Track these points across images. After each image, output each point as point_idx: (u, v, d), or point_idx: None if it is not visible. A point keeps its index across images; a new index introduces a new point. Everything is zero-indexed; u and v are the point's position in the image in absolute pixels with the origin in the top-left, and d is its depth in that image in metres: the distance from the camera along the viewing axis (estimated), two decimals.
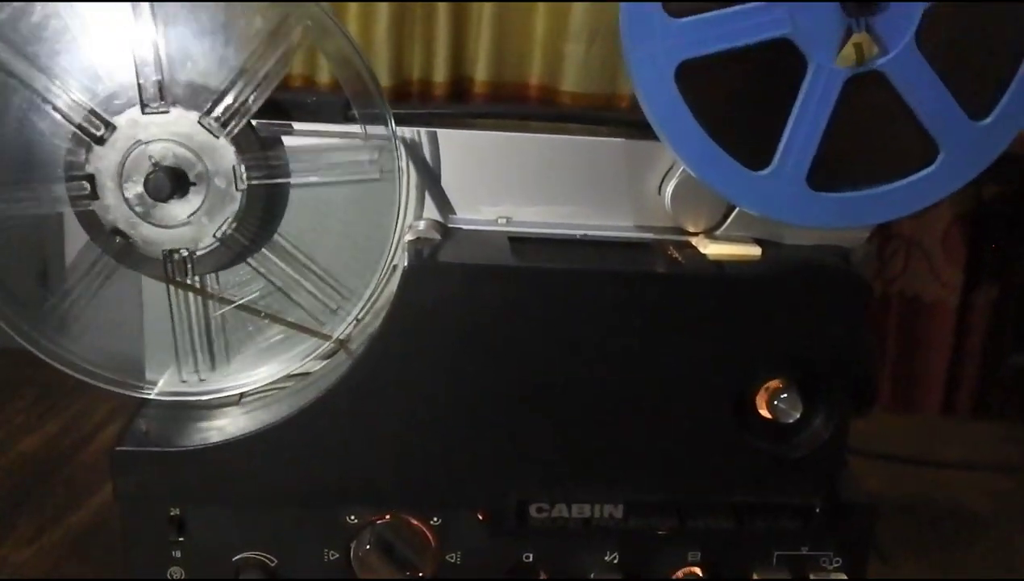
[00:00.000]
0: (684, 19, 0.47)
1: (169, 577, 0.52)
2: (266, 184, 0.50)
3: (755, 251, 0.53)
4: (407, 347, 0.49)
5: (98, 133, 0.48)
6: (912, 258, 1.10)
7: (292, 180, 0.51)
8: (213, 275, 0.52)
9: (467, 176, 0.54)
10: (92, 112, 0.48)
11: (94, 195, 0.49)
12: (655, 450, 0.51)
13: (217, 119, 0.49)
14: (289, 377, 0.53)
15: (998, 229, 1.02)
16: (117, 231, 0.50)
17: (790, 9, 0.47)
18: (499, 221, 0.54)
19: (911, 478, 0.82)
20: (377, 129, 0.50)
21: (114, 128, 0.48)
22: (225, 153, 0.49)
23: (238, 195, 0.50)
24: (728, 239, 0.53)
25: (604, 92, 1.00)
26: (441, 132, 0.53)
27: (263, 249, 0.52)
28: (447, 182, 0.54)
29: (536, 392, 0.50)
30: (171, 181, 0.48)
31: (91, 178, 0.49)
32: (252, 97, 0.49)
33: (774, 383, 0.51)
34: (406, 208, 0.52)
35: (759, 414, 0.51)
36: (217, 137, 0.49)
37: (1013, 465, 0.87)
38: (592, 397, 0.50)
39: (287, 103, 0.51)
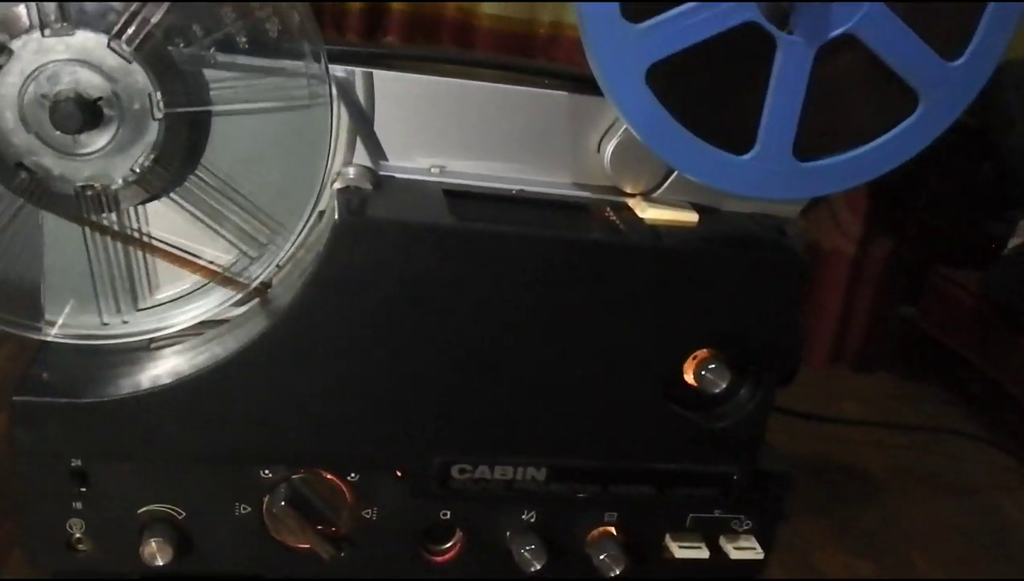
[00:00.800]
0: (645, 23, 0.46)
1: (69, 529, 0.49)
2: (186, 112, 0.47)
3: (692, 217, 0.52)
4: (334, 304, 0.46)
5: None
6: (815, 205, 1.11)
7: (214, 108, 0.47)
8: (132, 208, 0.49)
9: (402, 121, 0.51)
10: None
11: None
12: (581, 416, 0.51)
13: (129, 41, 0.44)
14: (203, 324, 0.51)
15: (898, 181, 1.04)
16: (21, 165, 0.46)
17: None
18: (432, 170, 0.52)
19: (808, 434, 0.84)
20: (309, 65, 0.47)
21: (10, 52, 0.44)
22: (139, 78, 0.45)
23: (155, 125, 0.46)
24: (665, 203, 0.52)
25: (523, 16, 0.96)
26: (377, 73, 0.50)
27: (185, 182, 0.48)
28: (380, 126, 0.51)
29: (465, 354, 0.48)
30: (80, 111, 0.44)
31: None
32: (167, 16, 0.45)
33: (703, 353, 0.51)
34: (334, 150, 0.49)
35: (685, 382, 0.51)
36: (130, 62, 0.45)
37: (908, 423, 0.90)
38: (521, 361, 0.49)
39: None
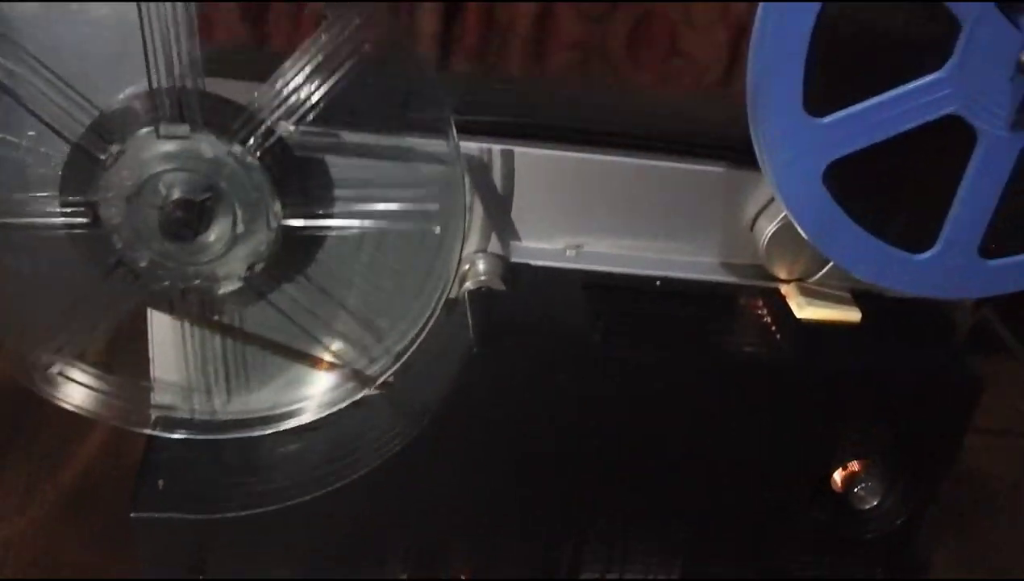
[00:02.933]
0: (830, 117, 0.40)
1: None
2: (304, 225, 0.42)
3: (854, 315, 0.47)
4: (472, 422, 0.43)
5: (102, 157, 0.39)
6: None
7: (334, 222, 0.42)
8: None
9: (539, 198, 0.46)
10: (94, 129, 0.39)
11: (96, 223, 0.41)
12: (723, 524, 0.48)
13: (245, 144, 0.40)
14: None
15: None
16: (120, 263, 0.42)
17: (955, 82, 0.39)
18: (568, 253, 0.47)
19: None
20: (437, 144, 0.42)
21: (122, 152, 0.39)
22: (256, 182, 0.41)
23: (271, 234, 0.42)
24: (822, 294, 0.47)
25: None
26: (517, 151, 0.45)
27: (288, 289, 0.44)
28: (515, 203, 0.46)
29: (606, 463, 0.45)
30: (190, 217, 0.40)
31: (93, 205, 0.40)
32: (292, 120, 0.40)
33: (855, 465, 0.47)
34: (463, 246, 0.44)
35: (833, 490, 0.48)
36: (246, 165, 0.40)
37: None
38: (660, 469, 0.46)
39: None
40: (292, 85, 0.40)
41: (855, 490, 0.47)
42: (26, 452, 0.65)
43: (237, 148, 0.40)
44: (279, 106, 0.40)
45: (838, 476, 0.47)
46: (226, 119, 0.39)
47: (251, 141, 0.40)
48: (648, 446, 0.44)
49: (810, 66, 0.39)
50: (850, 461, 0.47)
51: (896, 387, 0.44)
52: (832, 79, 0.40)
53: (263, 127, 0.40)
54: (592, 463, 0.45)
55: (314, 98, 0.40)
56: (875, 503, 0.47)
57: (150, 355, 0.46)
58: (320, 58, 0.40)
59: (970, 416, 0.45)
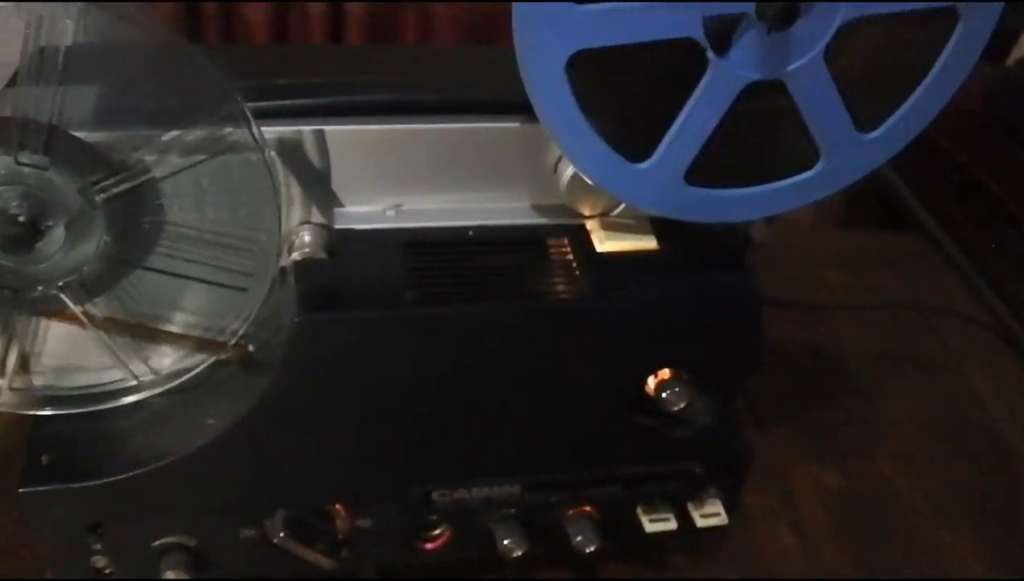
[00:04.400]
0: (589, 7, 0.43)
1: (93, 564, 0.54)
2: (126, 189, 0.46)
3: (651, 244, 0.52)
4: (313, 380, 0.49)
5: None
6: None
7: (156, 174, 0.46)
8: None
9: (355, 169, 0.50)
10: None
11: None
12: (552, 437, 0.54)
13: (34, 152, 0.44)
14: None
15: None
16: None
17: (702, 11, 0.44)
18: (388, 213, 0.52)
19: (784, 315, 0.86)
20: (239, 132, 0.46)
21: None
22: (61, 181, 0.45)
23: (100, 213, 0.46)
24: (621, 226, 0.52)
25: None
26: (329, 130, 0.49)
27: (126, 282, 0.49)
28: (333, 175, 0.50)
29: (439, 402, 0.51)
30: (23, 231, 0.44)
31: None
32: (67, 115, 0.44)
33: (664, 373, 0.53)
34: (287, 211, 0.49)
35: (648, 395, 0.54)
36: (45, 170, 0.44)
37: (886, 302, 0.92)
38: (492, 401, 0.52)
39: None
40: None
41: (665, 395, 0.53)
42: None
43: (83, 184, 0.44)
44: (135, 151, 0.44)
45: (652, 384, 0.53)
46: (84, 159, 0.44)
47: (102, 184, 0.44)
48: (475, 386, 0.50)
49: None
50: (660, 370, 0.53)
51: (685, 309, 0.50)
52: None
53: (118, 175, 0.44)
54: (428, 405, 0.51)
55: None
56: (684, 405, 0.53)
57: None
58: None
59: (754, 328, 0.51)
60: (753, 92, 0.46)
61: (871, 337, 0.87)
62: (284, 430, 0.50)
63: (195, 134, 0.46)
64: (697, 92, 0.46)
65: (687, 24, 0.44)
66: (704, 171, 0.48)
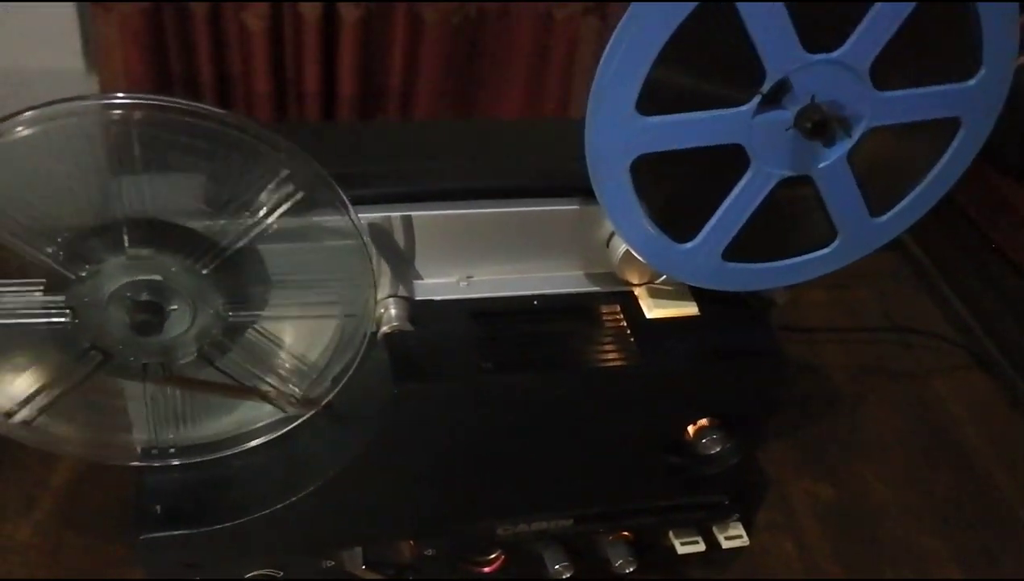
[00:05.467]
0: (652, 118, 0.50)
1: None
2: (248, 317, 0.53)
3: (692, 310, 0.59)
4: (399, 440, 0.55)
5: (78, 275, 0.49)
6: None
7: (267, 313, 0.53)
8: None
9: (433, 246, 0.57)
10: (67, 254, 0.48)
11: (75, 320, 0.50)
12: (603, 480, 0.61)
13: (201, 262, 0.50)
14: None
15: None
16: (95, 347, 0.52)
17: (749, 122, 0.51)
18: (461, 284, 0.58)
19: None
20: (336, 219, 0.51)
21: (97, 271, 0.49)
22: (206, 288, 0.51)
23: (218, 322, 0.52)
24: (665, 293, 0.60)
25: None
26: (416, 215, 0.55)
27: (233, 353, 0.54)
28: (416, 255, 0.57)
29: (505, 458, 0.58)
30: (154, 318, 0.50)
31: (72, 307, 0.50)
32: (239, 241, 0.50)
33: (703, 421, 0.61)
34: (376, 287, 0.55)
35: (686, 440, 0.61)
36: (202, 276, 0.50)
37: (868, 324, 1.01)
38: (554, 453, 0.59)
39: None
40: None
41: (703, 441, 0.61)
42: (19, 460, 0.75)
43: (191, 263, 0.50)
44: (232, 233, 0.50)
45: (690, 430, 0.61)
46: (186, 243, 0.49)
47: (204, 259, 0.50)
48: (539, 437, 0.57)
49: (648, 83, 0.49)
50: (699, 420, 0.60)
51: (724, 369, 0.58)
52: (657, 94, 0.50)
53: (218, 251, 0.50)
54: (498, 453, 0.58)
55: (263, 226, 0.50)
56: (718, 449, 0.61)
57: (121, 401, 0.56)
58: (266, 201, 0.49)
59: (778, 381, 0.59)
60: (783, 183, 0.54)
61: (851, 354, 0.96)
62: (374, 478, 0.57)
63: (293, 220, 0.51)
64: (738, 188, 0.54)
65: (737, 132, 0.51)
66: (739, 249, 0.56)
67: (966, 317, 1.02)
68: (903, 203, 0.57)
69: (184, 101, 0.46)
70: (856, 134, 0.52)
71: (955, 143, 0.55)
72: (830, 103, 0.50)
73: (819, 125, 0.50)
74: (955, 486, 0.84)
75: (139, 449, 0.58)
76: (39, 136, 0.45)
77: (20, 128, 0.45)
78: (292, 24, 1.23)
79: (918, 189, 0.56)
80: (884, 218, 0.57)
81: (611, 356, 0.56)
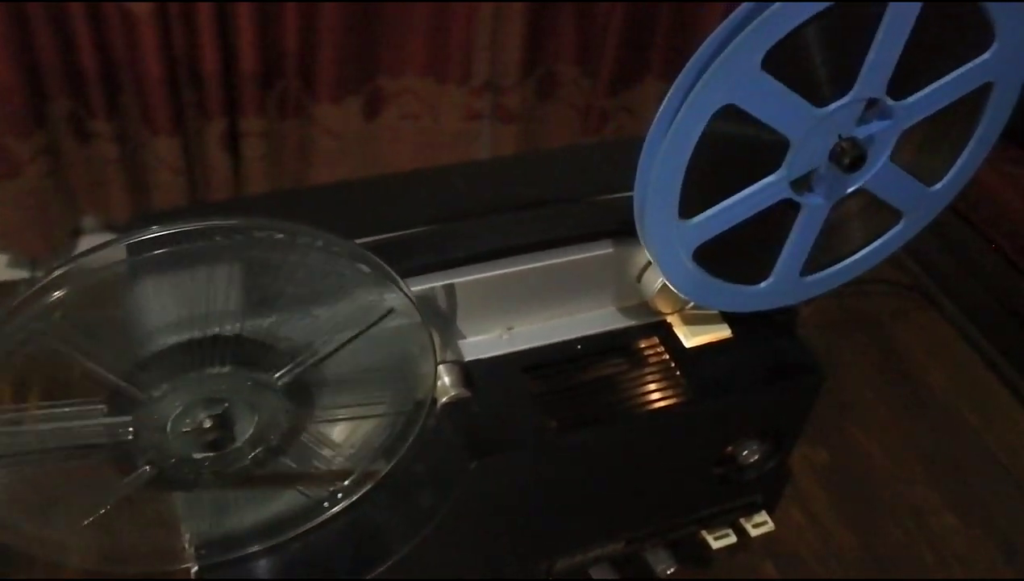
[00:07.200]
0: (695, 219, 0.53)
1: None
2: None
3: (725, 332, 0.61)
4: (473, 506, 0.56)
5: (149, 396, 0.47)
6: None
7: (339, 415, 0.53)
8: None
9: (473, 306, 0.57)
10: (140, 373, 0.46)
11: (135, 440, 0.48)
12: (654, 503, 0.63)
13: (275, 376, 0.49)
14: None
15: None
16: (150, 462, 0.50)
17: (788, 178, 0.52)
18: (502, 337, 0.58)
19: None
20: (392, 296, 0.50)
21: (168, 392, 0.47)
22: (273, 398, 0.50)
23: (282, 427, 0.51)
24: (698, 318, 0.61)
25: None
26: (458, 283, 0.55)
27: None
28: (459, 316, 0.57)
29: (568, 499, 0.59)
30: (225, 433, 0.49)
31: (135, 426, 0.48)
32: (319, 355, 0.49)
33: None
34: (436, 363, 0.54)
35: (728, 453, 0.64)
36: (274, 389, 0.49)
37: None
38: (612, 489, 0.61)
39: None
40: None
41: (745, 452, 0.63)
42: None
43: (264, 376, 0.48)
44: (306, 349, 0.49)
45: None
46: (260, 357, 0.48)
47: (278, 373, 0.48)
48: (600, 478, 0.59)
49: (684, 185, 0.51)
50: (739, 438, 0.63)
51: (769, 392, 0.60)
52: (695, 191, 0.52)
53: (291, 367, 0.49)
54: (563, 496, 0.59)
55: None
56: (755, 458, 0.63)
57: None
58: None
59: (812, 397, 0.61)
60: (840, 201, 0.56)
61: (815, 306, 1.00)
62: (446, 542, 0.57)
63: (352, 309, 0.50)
64: (797, 225, 0.56)
65: (779, 192, 0.53)
66: (815, 264, 0.59)
67: (906, 260, 1.07)
68: (956, 166, 0.58)
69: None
70: (890, 144, 0.54)
71: (990, 102, 0.56)
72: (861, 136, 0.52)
73: (856, 159, 0.52)
74: (935, 435, 0.90)
75: (189, 548, 0.57)
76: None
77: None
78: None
79: (966, 152, 0.58)
80: (940, 185, 0.58)
81: (663, 395, 0.57)
